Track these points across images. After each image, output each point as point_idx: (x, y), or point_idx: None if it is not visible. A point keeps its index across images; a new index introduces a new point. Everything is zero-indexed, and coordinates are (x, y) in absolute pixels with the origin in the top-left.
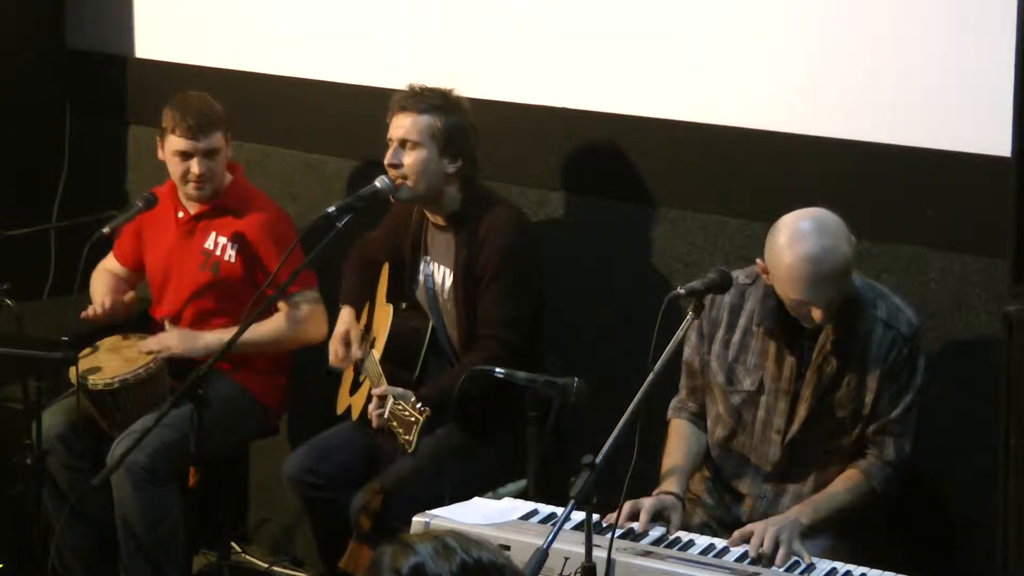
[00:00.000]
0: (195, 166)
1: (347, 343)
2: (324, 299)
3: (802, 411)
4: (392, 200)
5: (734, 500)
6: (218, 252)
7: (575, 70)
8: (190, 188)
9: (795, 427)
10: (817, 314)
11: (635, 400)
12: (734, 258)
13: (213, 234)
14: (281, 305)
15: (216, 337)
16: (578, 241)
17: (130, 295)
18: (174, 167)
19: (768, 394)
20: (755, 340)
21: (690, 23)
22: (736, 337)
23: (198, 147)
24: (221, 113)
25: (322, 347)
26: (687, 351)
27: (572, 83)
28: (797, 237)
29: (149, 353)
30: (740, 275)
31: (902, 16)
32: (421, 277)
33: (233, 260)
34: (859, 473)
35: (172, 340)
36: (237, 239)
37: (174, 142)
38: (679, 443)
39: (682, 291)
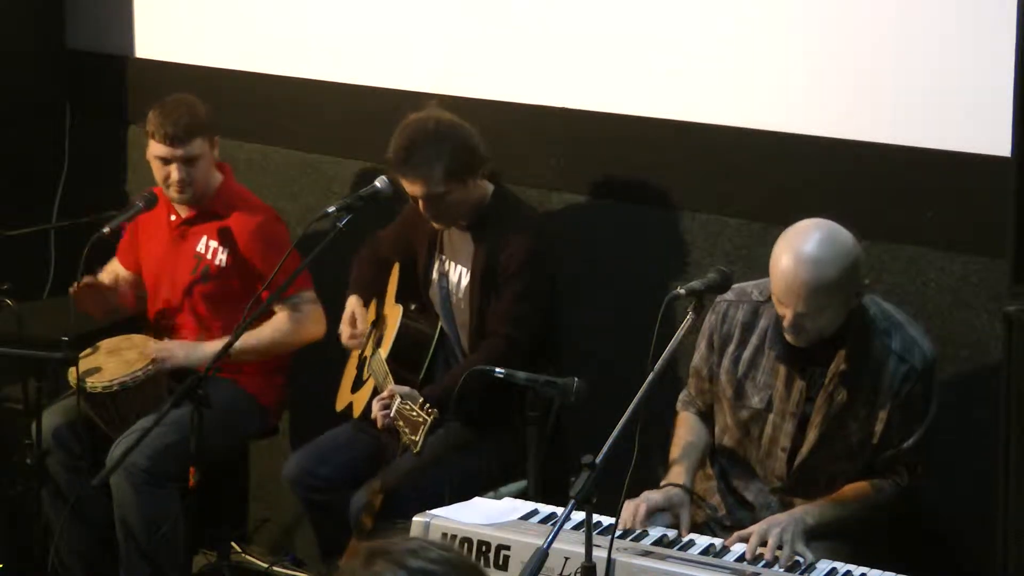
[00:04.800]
0: (174, 172)
1: (354, 323)
2: (322, 299)
3: (812, 436)
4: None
5: (739, 504)
6: (208, 255)
7: (575, 70)
8: (171, 192)
9: (804, 451)
10: (787, 318)
11: (635, 400)
12: (734, 258)
13: (204, 237)
14: (279, 309)
15: (215, 348)
16: (578, 241)
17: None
18: (155, 171)
19: (776, 414)
20: (765, 359)
21: (690, 23)
22: (747, 354)
23: (176, 154)
24: (204, 118)
25: (322, 346)
26: (696, 358)
27: (572, 83)
28: (801, 237)
29: (152, 360)
30: (754, 291)
31: (902, 16)
32: (435, 275)
33: (223, 264)
34: (870, 487)
35: (176, 349)
36: (226, 242)
37: (153, 147)
38: (687, 435)
39: (682, 291)
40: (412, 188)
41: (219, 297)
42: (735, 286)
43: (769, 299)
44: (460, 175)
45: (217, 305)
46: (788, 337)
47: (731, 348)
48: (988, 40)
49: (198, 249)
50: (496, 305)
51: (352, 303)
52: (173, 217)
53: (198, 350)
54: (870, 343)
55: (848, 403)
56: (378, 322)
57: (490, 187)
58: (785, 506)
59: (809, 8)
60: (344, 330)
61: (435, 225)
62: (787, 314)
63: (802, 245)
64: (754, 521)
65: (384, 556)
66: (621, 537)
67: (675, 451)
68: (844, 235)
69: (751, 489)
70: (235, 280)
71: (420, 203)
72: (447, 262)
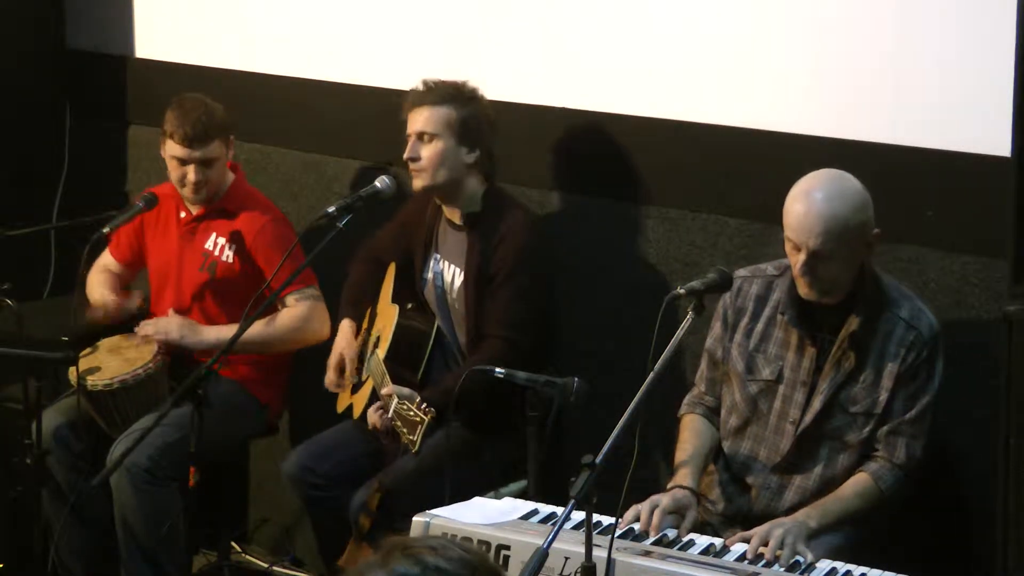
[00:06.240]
0: (191, 173)
1: (341, 370)
2: (324, 298)
3: (816, 403)
4: (415, 191)
5: (741, 492)
6: (216, 253)
7: (575, 70)
8: (186, 192)
9: (808, 419)
10: (801, 261)
11: (635, 400)
12: (734, 258)
13: (213, 235)
14: (292, 302)
15: (216, 333)
16: (577, 241)
17: (137, 298)
18: (171, 171)
19: (786, 384)
20: (778, 329)
21: (691, 23)
22: (759, 326)
23: (194, 155)
24: (221, 119)
25: (322, 346)
26: (709, 340)
27: (572, 83)
28: (813, 180)
29: (145, 337)
30: (769, 267)
31: (902, 16)
32: (430, 274)
33: (231, 261)
34: (868, 477)
35: (172, 327)
36: (235, 240)
37: (171, 147)
38: (692, 438)
39: (682, 291)
40: (413, 117)
41: (226, 294)
42: (750, 266)
43: (783, 273)
44: (471, 135)
45: (224, 302)
46: (800, 286)
47: (744, 321)
48: (988, 40)
49: (206, 246)
50: (492, 306)
51: (343, 336)
52: (183, 215)
53: (197, 332)
54: (881, 309)
55: (855, 369)
56: (374, 323)
57: (483, 186)
58: (783, 485)
59: (809, 8)
60: (330, 377)
61: (415, 183)
62: (801, 257)
63: (814, 188)
64: (752, 507)
65: (403, 550)
66: (621, 537)
67: (680, 454)
68: (853, 179)
69: (752, 471)
70: (242, 278)
71: (408, 142)
72: (441, 261)
